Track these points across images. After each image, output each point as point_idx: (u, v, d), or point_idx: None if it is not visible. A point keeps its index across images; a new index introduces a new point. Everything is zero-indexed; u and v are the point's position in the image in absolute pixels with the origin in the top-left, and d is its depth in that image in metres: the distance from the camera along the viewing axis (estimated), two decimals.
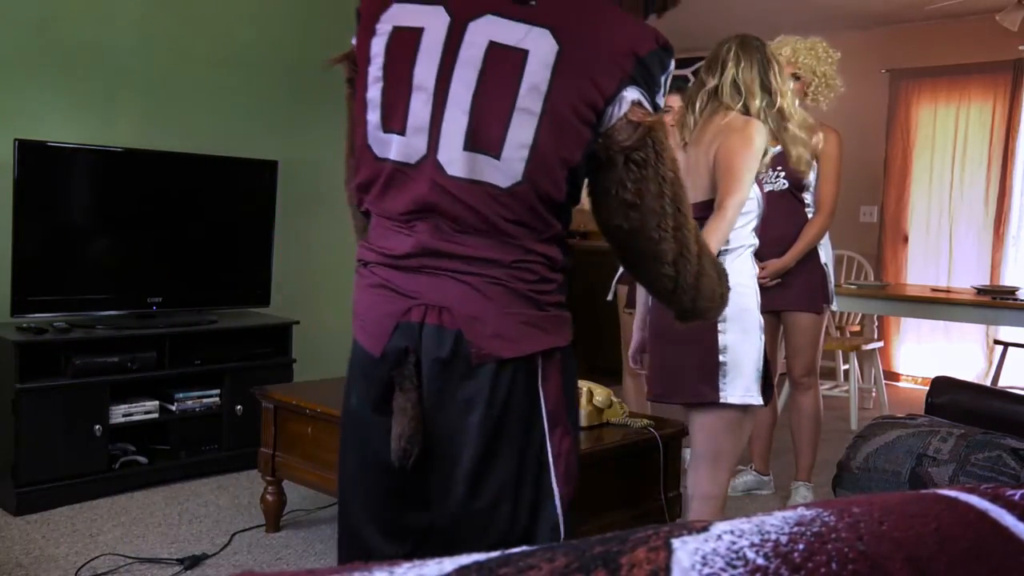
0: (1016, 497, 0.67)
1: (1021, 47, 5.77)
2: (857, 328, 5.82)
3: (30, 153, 3.34)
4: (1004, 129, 5.94)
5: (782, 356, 3.66)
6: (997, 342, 5.65)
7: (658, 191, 1.32)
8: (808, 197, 3.45)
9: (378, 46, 1.32)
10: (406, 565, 0.55)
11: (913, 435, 2.15)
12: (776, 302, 3.39)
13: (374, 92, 1.32)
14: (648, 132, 1.29)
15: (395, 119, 1.30)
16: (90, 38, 3.79)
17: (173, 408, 3.65)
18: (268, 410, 3.08)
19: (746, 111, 2.31)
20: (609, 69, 1.26)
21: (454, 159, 1.27)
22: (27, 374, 3.24)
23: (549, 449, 1.34)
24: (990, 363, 5.91)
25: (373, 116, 1.33)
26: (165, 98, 4.03)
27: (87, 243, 3.60)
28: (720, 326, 2.22)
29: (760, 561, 0.55)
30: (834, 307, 3.70)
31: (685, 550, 0.56)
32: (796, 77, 3.36)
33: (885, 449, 2.15)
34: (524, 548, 0.58)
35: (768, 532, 0.58)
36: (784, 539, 0.57)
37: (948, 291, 4.89)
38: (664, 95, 1.34)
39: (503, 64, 1.25)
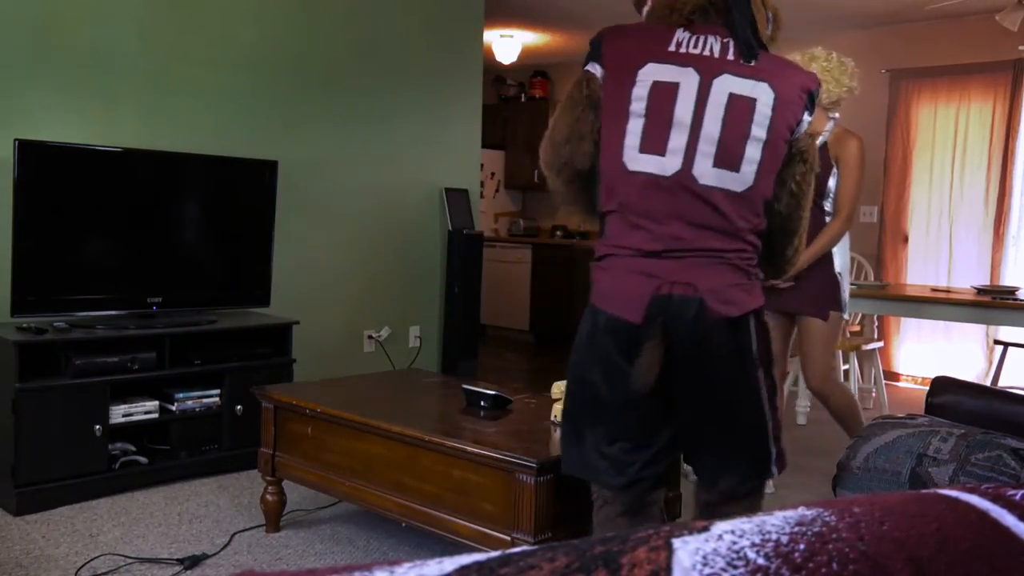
0: (1017, 497, 0.67)
1: (1021, 47, 5.77)
2: (857, 328, 5.82)
3: (30, 153, 3.34)
4: (1004, 129, 5.93)
5: (789, 357, 3.75)
6: (997, 342, 5.65)
7: (812, 181, 1.98)
8: (828, 204, 3.43)
9: (640, 93, 1.86)
10: (407, 565, 0.55)
11: (913, 435, 2.15)
12: (787, 303, 3.47)
13: (635, 125, 1.86)
14: (810, 139, 1.95)
15: (656, 144, 1.84)
16: (90, 38, 3.79)
17: (173, 408, 3.64)
18: (268, 410, 3.07)
19: None
20: (799, 103, 1.88)
21: (705, 173, 1.82)
22: (27, 374, 3.24)
23: (761, 383, 1.89)
24: (990, 363, 5.91)
25: (632, 141, 1.86)
26: (165, 98, 4.03)
27: (87, 243, 3.59)
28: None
29: (761, 561, 0.55)
30: (846, 316, 3.70)
31: (686, 550, 0.55)
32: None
33: (885, 449, 2.15)
34: (524, 548, 0.58)
35: (769, 532, 0.58)
36: (785, 539, 0.57)
37: (948, 291, 4.88)
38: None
39: (739, 107, 1.83)
